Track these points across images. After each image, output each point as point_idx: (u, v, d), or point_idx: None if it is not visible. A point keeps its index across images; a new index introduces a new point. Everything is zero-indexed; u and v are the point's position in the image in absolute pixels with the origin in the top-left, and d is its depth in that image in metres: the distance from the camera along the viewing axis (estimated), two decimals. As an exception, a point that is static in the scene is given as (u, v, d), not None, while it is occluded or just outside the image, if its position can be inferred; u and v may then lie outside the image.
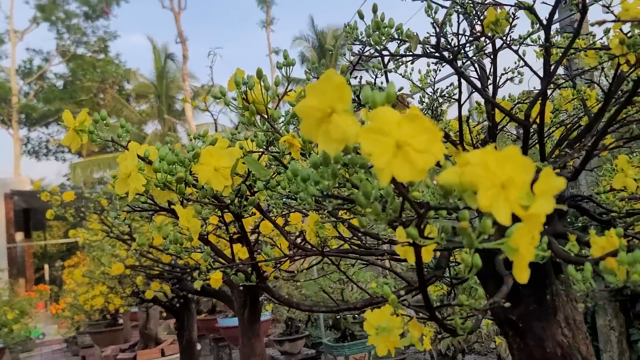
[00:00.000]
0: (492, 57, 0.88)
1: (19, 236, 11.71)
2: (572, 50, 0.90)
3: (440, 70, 1.17)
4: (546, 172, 0.42)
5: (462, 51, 0.82)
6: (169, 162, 0.66)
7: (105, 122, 0.73)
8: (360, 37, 1.00)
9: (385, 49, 0.75)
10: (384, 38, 0.71)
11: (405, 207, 0.55)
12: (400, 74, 1.25)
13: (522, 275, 0.47)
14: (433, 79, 1.22)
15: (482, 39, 0.85)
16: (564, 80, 1.00)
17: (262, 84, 0.71)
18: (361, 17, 0.86)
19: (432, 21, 0.74)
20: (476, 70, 0.99)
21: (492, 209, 0.40)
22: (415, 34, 0.72)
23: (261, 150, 0.80)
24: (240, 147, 0.81)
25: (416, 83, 1.29)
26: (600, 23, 0.65)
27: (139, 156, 0.74)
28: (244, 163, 0.78)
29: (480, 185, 0.40)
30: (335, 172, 0.47)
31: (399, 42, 0.86)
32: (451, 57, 0.76)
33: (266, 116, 0.74)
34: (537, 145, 0.97)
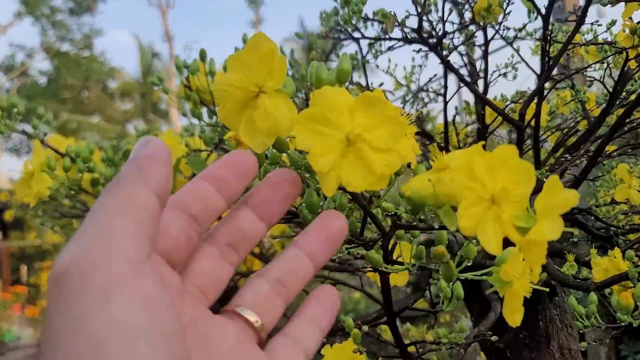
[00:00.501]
0: (483, 48, 0.77)
1: (-4, 236, 11.40)
2: (570, 46, 0.79)
3: (426, 66, 1.06)
4: (552, 181, 0.30)
5: (449, 39, 0.71)
6: (85, 159, 0.53)
7: (17, 110, 0.61)
8: (337, 26, 0.88)
9: (356, 29, 0.64)
10: (354, 17, 0.60)
11: (368, 223, 0.43)
12: (383, 70, 1.13)
13: (515, 317, 0.36)
14: (418, 76, 1.11)
15: (472, 27, 0.74)
16: (560, 79, 0.90)
17: (207, 68, 0.59)
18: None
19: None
20: (465, 65, 0.88)
21: (478, 232, 0.28)
22: (392, 13, 0.61)
23: (209, 149, 0.68)
24: (186, 144, 0.69)
25: (400, 82, 1.18)
26: (614, 3, 0.54)
27: (60, 153, 0.61)
28: (187, 163, 0.66)
29: (462, 199, 0.28)
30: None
31: (377, 27, 0.74)
32: (435, 42, 0.65)
33: (213, 108, 0.62)
34: (531, 151, 0.86)
